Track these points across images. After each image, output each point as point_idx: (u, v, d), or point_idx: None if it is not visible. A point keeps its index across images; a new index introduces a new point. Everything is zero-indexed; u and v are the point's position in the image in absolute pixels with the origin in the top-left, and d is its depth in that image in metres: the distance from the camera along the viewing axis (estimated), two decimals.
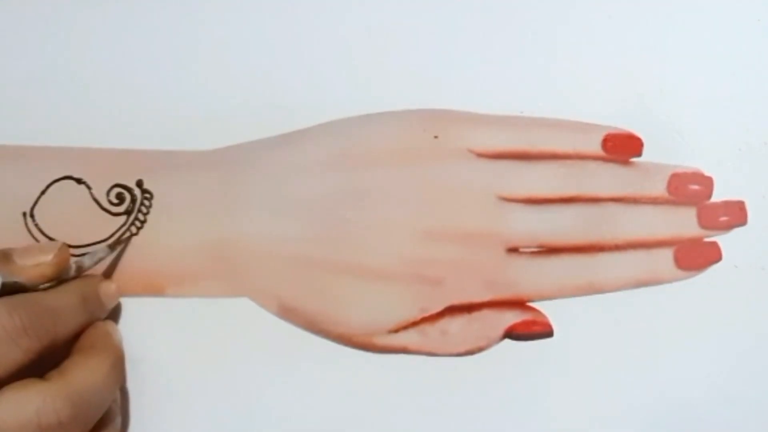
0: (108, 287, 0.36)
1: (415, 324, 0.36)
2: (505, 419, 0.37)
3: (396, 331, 0.36)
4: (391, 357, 0.37)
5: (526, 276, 0.37)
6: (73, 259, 0.35)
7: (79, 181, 0.37)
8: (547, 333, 0.37)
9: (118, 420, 0.35)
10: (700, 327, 0.37)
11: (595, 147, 0.38)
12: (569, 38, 0.39)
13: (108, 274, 0.37)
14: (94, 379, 0.32)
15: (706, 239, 0.37)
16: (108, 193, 0.37)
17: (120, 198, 0.37)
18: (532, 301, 0.37)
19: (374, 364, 0.37)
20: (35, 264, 0.33)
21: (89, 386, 0.32)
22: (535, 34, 0.39)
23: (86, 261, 0.35)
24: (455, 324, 0.37)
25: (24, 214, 0.37)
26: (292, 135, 0.38)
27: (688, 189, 0.38)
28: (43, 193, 0.37)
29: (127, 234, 0.37)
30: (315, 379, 0.37)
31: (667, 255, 0.37)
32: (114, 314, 0.37)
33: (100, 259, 0.36)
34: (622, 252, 0.37)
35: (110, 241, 0.37)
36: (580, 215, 0.37)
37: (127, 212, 0.37)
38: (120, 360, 0.35)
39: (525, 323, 0.37)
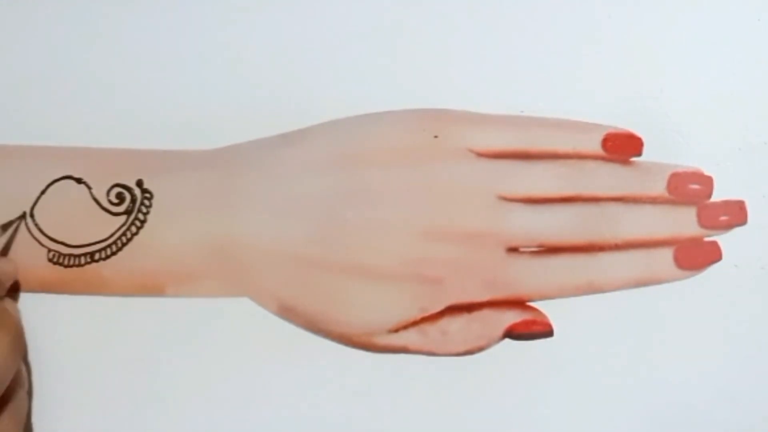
0: (5, 265, 0.36)
1: (415, 324, 0.36)
2: (505, 419, 0.37)
3: (396, 330, 0.36)
4: (391, 357, 0.37)
5: (526, 276, 0.37)
6: None
7: (79, 180, 0.37)
8: (547, 333, 0.37)
9: (21, 393, 0.35)
10: (700, 327, 0.37)
11: (595, 147, 0.38)
12: (569, 38, 0.39)
13: (109, 274, 0.37)
14: None
15: (706, 239, 0.37)
16: (108, 192, 0.37)
17: (120, 198, 0.37)
18: (532, 300, 0.37)
19: (374, 364, 0.37)
20: None
21: None
22: (535, 34, 0.39)
23: None
24: (455, 324, 0.36)
25: (24, 213, 0.37)
26: (292, 135, 0.38)
27: (687, 188, 0.38)
28: (43, 193, 0.37)
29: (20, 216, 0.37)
30: (315, 378, 0.37)
31: (666, 255, 0.37)
32: (114, 313, 0.37)
33: None
34: (622, 252, 0.37)
35: (2, 223, 0.37)
36: (580, 215, 0.37)
37: (127, 212, 0.37)
38: (18, 336, 0.35)
39: (525, 323, 0.37)
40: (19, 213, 0.37)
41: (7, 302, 0.36)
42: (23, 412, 0.35)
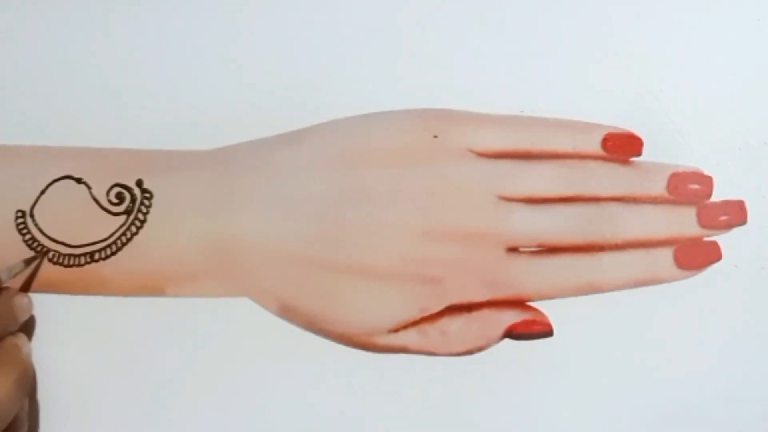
0: (21, 300, 0.36)
1: (415, 324, 0.36)
2: (505, 419, 0.37)
3: (396, 330, 0.36)
4: (391, 357, 0.37)
5: (526, 276, 0.37)
6: None
7: (78, 180, 0.37)
8: (547, 333, 0.37)
9: (24, 430, 0.35)
10: (700, 327, 0.37)
11: (595, 146, 0.38)
12: (569, 38, 0.39)
13: (109, 274, 0.37)
14: None
15: (706, 239, 0.37)
16: (108, 192, 0.37)
17: (120, 198, 0.37)
18: (532, 300, 0.37)
19: (374, 364, 0.37)
20: None
21: None
22: (535, 34, 0.39)
23: (2, 275, 0.35)
24: (455, 324, 0.36)
25: (24, 213, 0.37)
26: (292, 135, 0.38)
27: (687, 188, 0.38)
28: (43, 192, 0.37)
29: (40, 250, 0.37)
30: (315, 379, 0.37)
31: (666, 254, 0.37)
32: (114, 313, 0.37)
33: (16, 274, 0.36)
34: (622, 251, 0.37)
35: (26, 258, 0.37)
36: (580, 215, 0.37)
37: (127, 212, 0.37)
38: (25, 373, 0.35)
39: (525, 323, 0.37)
40: (19, 213, 0.37)
41: (20, 338, 0.35)
42: None
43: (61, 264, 0.37)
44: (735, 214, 0.38)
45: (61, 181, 0.37)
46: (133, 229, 0.37)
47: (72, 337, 0.37)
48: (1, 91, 0.39)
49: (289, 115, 0.38)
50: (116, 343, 0.37)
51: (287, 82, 0.39)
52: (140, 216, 0.37)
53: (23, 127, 0.38)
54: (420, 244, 0.37)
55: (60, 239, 0.37)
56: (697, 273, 0.37)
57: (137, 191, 0.37)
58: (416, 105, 0.38)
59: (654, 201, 0.38)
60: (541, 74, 0.39)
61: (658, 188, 0.38)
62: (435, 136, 0.38)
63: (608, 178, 0.38)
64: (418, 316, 0.36)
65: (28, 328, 0.37)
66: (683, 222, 0.37)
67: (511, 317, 0.37)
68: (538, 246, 0.37)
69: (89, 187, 0.37)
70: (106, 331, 0.37)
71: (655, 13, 0.39)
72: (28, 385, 0.35)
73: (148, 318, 0.37)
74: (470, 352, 0.37)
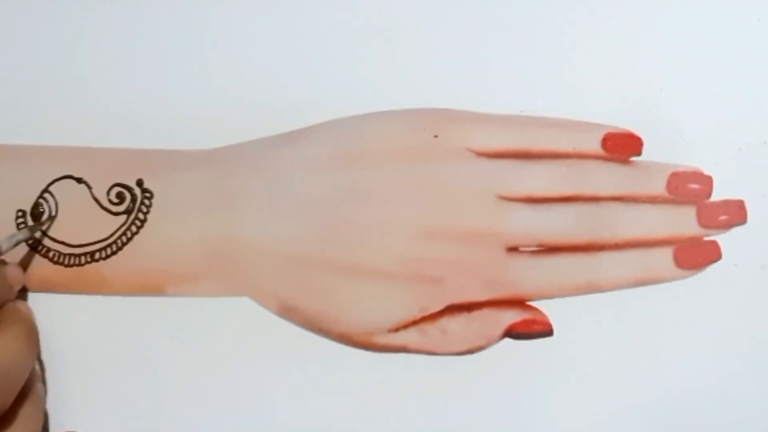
0: (14, 271, 0.36)
1: (415, 323, 0.36)
2: (504, 419, 0.37)
3: (396, 330, 0.37)
4: (391, 356, 0.37)
5: (526, 275, 0.37)
6: None
7: (79, 180, 0.38)
8: (547, 332, 0.37)
9: (39, 386, 0.35)
10: (700, 326, 0.37)
11: (594, 146, 0.38)
12: (569, 38, 0.39)
13: (109, 273, 0.37)
14: (10, 350, 0.33)
15: (706, 238, 0.37)
16: (108, 192, 0.38)
17: (120, 197, 0.37)
18: (531, 300, 0.37)
19: (374, 363, 0.37)
20: None
21: (7, 358, 0.33)
22: (535, 33, 0.39)
23: (3, 245, 0.35)
24: (455, 323, 0.37)
25: (24, 213, 0.37)
26: (292, 134, 0.38)
27: (687, 188, 0.38)
28: (43, 192, 0.37)
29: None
30: (315, 379, 0.37)
31: (666, 254, 0.37)
32: (114, 313, 0.37)
33: (19, 242, 0.36)
34: (622, 251, 0.37)
35: (31, 224, 0.37)
36: (580, 214, 0.37)
37: (128, 211, 0.37)
38: (33, 330, 0.35)
39: (525, 322, 0.37)
40: (19, 213, 0.37)
41: (19, 302, 0.36)
42: (43, 402, 0.36)
43: (61, 264, 0.37)
44: (735, 213, 0.38)
45: (62, 181, 0.38)
46: (134, 228, 0.37)
47: (72, 336, 0.37)
48: (1, 91, 0.39)
49: (289, 115, 0.38)
50: (116, 343, 0.37)
51: (287, 82, 0.39)
52: (141, 216, 0.37)
53: (23, 127, 0.38)
54: (420, 244, 0.37)
55: (60, 239, 0.37)
56: (697, 273, 0.37)
57: (138, 191, 0.38)
58: (416, 105, 0.38)
59: (654, 201, 0.38)
60: (541, 74, 0.39)
61: (658, 188, 0.38)
62: (435, 136, 0.38)
63: (608, 178, 0.38)
64: (418, 315, 0.37)
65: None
66: (683, 222, 0.37)
67: (511, 317, 0.37)
68: (538, 246, 0.37)
69: (90, 187, 0.38)
70: (106, 331, 0.37)
71: (655, 13, 0.39)
72: (37, 342, 0.36)
73: (148, 318, 0.37)
74: (470, 352, 0.37)
